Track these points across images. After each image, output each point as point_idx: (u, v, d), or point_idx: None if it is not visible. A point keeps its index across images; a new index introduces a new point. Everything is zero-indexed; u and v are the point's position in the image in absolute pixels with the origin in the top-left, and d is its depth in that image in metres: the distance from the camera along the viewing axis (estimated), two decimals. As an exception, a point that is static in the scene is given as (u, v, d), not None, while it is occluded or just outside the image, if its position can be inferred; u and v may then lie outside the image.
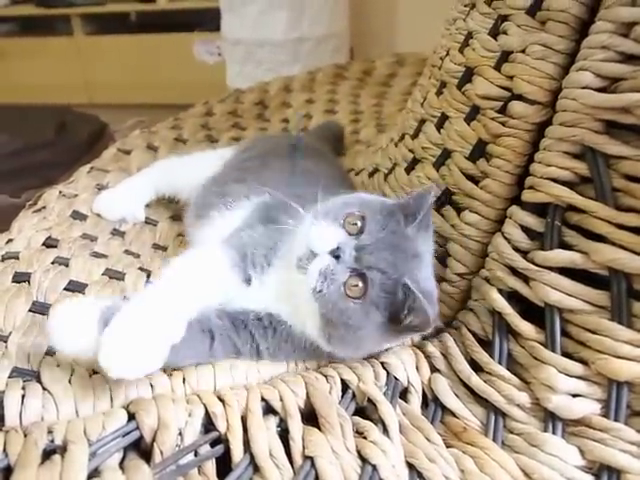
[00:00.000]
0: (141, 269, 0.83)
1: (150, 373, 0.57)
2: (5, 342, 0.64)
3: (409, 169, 0.83)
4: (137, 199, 0.99)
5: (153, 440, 0.53)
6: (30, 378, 0.60)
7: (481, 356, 0.62)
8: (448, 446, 0.56)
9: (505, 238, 0.65)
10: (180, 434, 0.54)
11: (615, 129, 0.57)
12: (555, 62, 0.63)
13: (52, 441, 0.51)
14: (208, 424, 0.55)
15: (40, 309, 0.70)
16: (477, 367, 0.62)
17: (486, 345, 0.63)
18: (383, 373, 0.62)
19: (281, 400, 0.57)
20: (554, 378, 0.57)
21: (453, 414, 0.60)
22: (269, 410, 0.57)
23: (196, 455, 0.54)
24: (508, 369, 0.60)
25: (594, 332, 0.56)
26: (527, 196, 0.64)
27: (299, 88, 1.61)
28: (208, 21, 2.62)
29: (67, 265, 0.79)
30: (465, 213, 0.71)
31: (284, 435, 0.55)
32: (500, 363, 0.61)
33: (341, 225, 0.61)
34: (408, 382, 0.62)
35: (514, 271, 0.63)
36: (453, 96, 0.77)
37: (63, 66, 3.00)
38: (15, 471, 0.48)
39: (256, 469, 0.52)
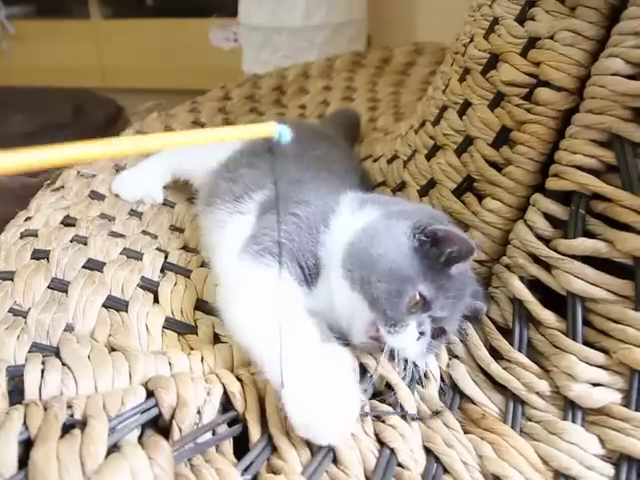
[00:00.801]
0: (159, 249, 0.83)
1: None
2: (25, 317, 0.64)
3: (430, 156, 0.83)
4: (155, 181, 0.99)
5: (172, 418, 0.53)
6: (49, 353, 0.60)
7: (501, 343, 0.62)
8: (466, 432, 0.56)
9: (528, 226, 0.64)
10: (199, 412, 0.54)
11: (644, 117, 0.56)
12: (584, 49, 0.62)
13: (72, 415, 0.51)
14: (226, 403, 0.56)
15: (59, 286, 0.70)
16: (497, 354, 0.62)
17: (506, 333, 0.63)
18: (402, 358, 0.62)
19: (299, 382, 0.57)
20: (575, 367, 0.56)
21: (472, 401, 0.60)
22: (287, 391, 0.57)
23: (214, 434, 0.54)
24: (528, 357, 0.60)
25: (617, 322, 0.56)
26: (551, 184, 0.63)
27: (317, 75, 1.61)
28: (225, 6, 2.60)
29: (85, 244, 0.79)
30: (487, 200, 0.70)
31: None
32: (520, 351, 0.61)
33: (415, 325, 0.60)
34: (426, 367, 0.62)
35: (536, 259, 0.63)
36: (477, 83, 0.76)
37: (79, 49, 3.00)
38: (36, 444, 0.48)
39: (273, 450, 0.52)
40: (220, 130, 0.39)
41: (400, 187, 0.88)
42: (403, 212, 0.64)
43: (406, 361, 0.60)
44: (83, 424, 0.50)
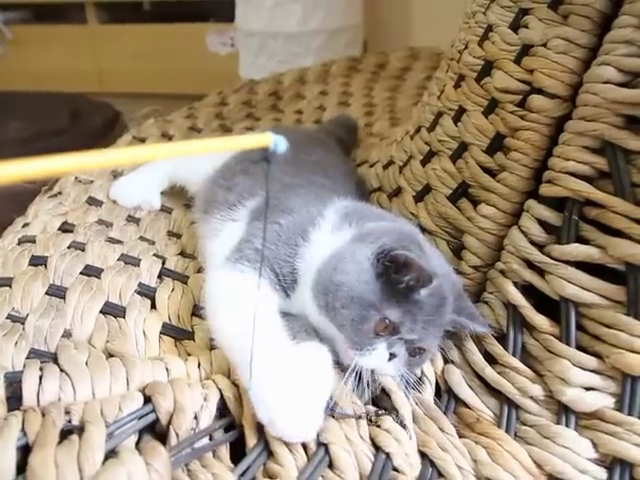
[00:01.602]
0: (156, 255, 0.83)
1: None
2: (22, 324, 0.65)
3: (425, 161, 0.83)
4: (153, 187, 0.99)
5: (169, 423, 0.53)
6: (47, 359, 0.60)
7: (495, 348, 0.62)
8: (461, 436, 0.57)
9: (522, 231, 0.65)
10: (195, 418, 0.54)
11: (636, 124, 0.57)
12: (577, 56, 0.63)
13: (69, 421, 0.52)
14: (223, 409, 0.56)
15: (57, 292, 0.71)
16: (491, 359, 0.62)
17: (500, 337, 0.64)
18: (397, 363, 0.62)
19: (296, 387, 0.58)
20: (568, 371, 0.57)
21: (466, 405, 0.60)
22: (284, 397, 0.57)
23: (211, 439, 0.54)
24: (522, 362, 0.60)
25: (609, 326, 0.56)
26: (545, 190, 0.64)
27: (313, 80, 1.62)
28: (222, 11, 2.61)
29: (83, 250, 0.80)
30: (481, 206, 0.71)
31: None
32: (514, 355, 0.61)
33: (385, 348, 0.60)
34: (422, 372, 0.62)
35: (530, 264, 0.63)
36: (471, 89, 0.77)
37: (76, 54, 3.00)
38: (34, 449, 0.48)
39: (270, 455, 0.53)
40: (216, 140, 0.39)
41: (396, 193, 0.88)
42: (372, 233, 0.64)
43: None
44: (81, 430, 0.51)
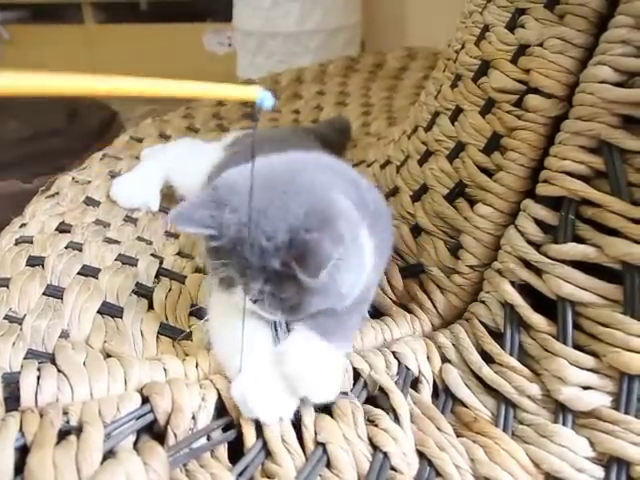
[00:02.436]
0: (153, 256, 0.83)
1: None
2: (20, 324, 0.65)
3: (422, 161, 0.84)
4: (153, 188, 0.99)
5: (167, 423, 0.53)
6: (45, 360, 0.60)
7: (492, 347, 0.63)
8: (458, 435, 0.57)
9: (518, 231, 0.65)
10: (193, 418, 0.54)
11: (632, 124, 0.57)
12: (573, 56, 0.63)
13: (67, 422, 0.52)
14: (221, 409, 0.56)
15: (54, 292, 0.71)
16: (488, 358, 0.62)
17: (497, 337, 0.64)
18: (394, 362, 0.62)
19: (293, 387, 0.58)
20: (565, 370, 0.57)
21: (464, 404, 0.60)
22: (282, 396, 0.58)
23: (209, 439, 0.54)
24: (519, 361, 0.61)
25: (606, 325, 0.56)
26: (541, 189, 0.64)
27: (310, 80, 1.61)
28: (219, 11, 2.61)
29: (80, 250, 0.80)
30: (478, 205, 0.71)
31: (296, 422, 0.55)
32: (511, 354, 0.61)
33: None
34: (419, 372, 0.62)
35: (527, 264, 0.63)
36: (468, 89, 0.77)
37: (73, 54, 3.00)
38: (32, 450, 0.48)
39: (268, 454, 0.53)
40: (202, 85, 0.39)
41: (393, 192, 0.88)
42: None
43: (399, 364, 0.62)
44: (79, 430, 0.51)
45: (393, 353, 0.64)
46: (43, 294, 0.71)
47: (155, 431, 0.54)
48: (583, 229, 0.59)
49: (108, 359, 0.60)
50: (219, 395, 0.56)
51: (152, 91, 0.37)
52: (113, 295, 0.72)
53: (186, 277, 0.79)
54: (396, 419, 0.57)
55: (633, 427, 0.53)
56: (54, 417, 0.51)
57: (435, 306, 0.72)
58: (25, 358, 0.60)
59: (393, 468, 0.53)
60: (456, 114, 0.78)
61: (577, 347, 0.58)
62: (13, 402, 0.54)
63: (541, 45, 0.66)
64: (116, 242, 0.85)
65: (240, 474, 0.51)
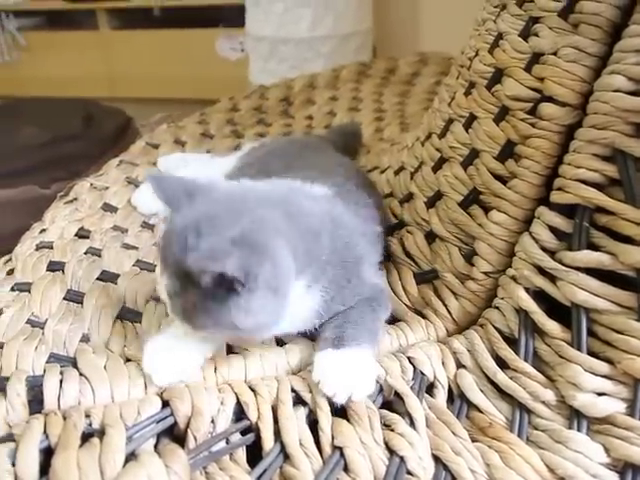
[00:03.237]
0: (170, 261, 0.84)
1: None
2: (42, 329, 0.66)
3: (436, 168, 0.84)
4: None
5: (187, 427, 0.54)
6: (67, 364, 0.62)
7: (507, 353, 0.63)
8: (474, 440, 0.57)
9: (533, 238, 0.66)
10: (212, 422, 0.55)
11: (646, 132, 0.58)
12: (587, 65, 0.63)
13: (90, 425, 0.53)
14: (239, 413, 0.57)
15: (74, 297, 0.72)
16: (503, 364, 0.63)
17: (512, 343, 0.64)
18: (410, 367, 0.63)
19: (310, 392, 0.59)
20: (580, 376, 0.57)
21: (479, 409, 0.61)
22: (299, 401, 0.59)
23: (228, 443, 0.55)
24: (533, 367, 0.61)
25: (621, 332, 0.57)
26: (556, 197, 0.65)
27: (323, 85, 1.63)
28: (232, 17, 2.63)
29: (99, 256, 0.81)
30: (493, 212, 0.71)
31: (313, 426, 0.56)
32: (526, 360, 0.62)
33: None
34: (434, 377, 0.63)
35: (541, 270, 0.64)
36: (482, 96, 0.77)
37: (88, 59, 3.03)
38: (56, 452, 0.49)
39: (286, 458, 0.54)
40: None
41: (407, 199, 0.89)
42: None
43: (414, 369, 0.63)
44: (101, 433, 0.52)
45: (408, 358, 0.64)
46: (64, 299, 0.72)
47: (175, 434, 0.55)
48: (597, 236, 0.60)
49: (128, 363, 0.62)
50: (237, 399, 0.57)
51: None
52: (132, 300, 0.73)
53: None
54: (412, 424, 0.57)
55: (648, 433, 0.54)
56: (77, 420, 0.52)
57: (449, 312, 0.72)
58: (47, 362, 0.62)
59: (409, 472, 0.53)
60: (470, 121, 0.79)
61: (592, 354, 0.59)
62: (37, 405, 0.56)
63: (555, 54, 0.66)
64: (134, 248, 0.86)
65: (259, 477, 0.52)
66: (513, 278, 0.67)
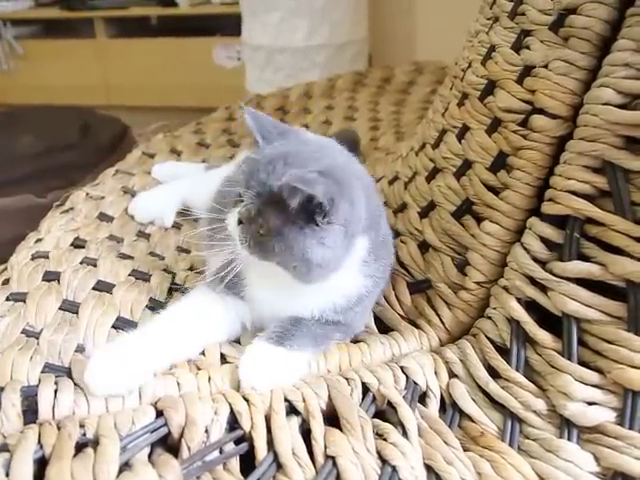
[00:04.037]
0: (166, 271, 0.85)
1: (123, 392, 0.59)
2: (37, 338, 0.67)
3: (430, 178, 0.85)
4: (170, 206, 1.01)
5: (181, 436, 0.55)
6: (61, 374, 0.62)
7: (499, 363, 0.64)
8: (465, 450, 0.58)
9: (524, 248, 0.66)
10: (206, 431, 0.56)
11: (635, 145, 0.58)
12: (577, 78, 0.64)
13: (84, 435, 0.53)
14: (233, 422, 0.57)
15: (70, 307, 0.72)
16: (495, 373, 0.64)
17: (504, 352, 0.65)
18: (403, 377, 0.64)
19: (304, 401, 0.59)
20: (570, 386, 0.58)
21: (471, 419, 0.61)
22: (292, 410, 0.59)
23: (221, 452, 0.56)
24: (525, 376, 0.62)
25: (611, 342, 0.57)
26: (547, 208, 0.65)
27: (319, 94, 1.64)
28: (228, 26, 2.64)
29: (95, 265, 0.82)
30: (485, 223, 0.72)
31: (306, 435, 0.57)
32: (517, 370, 0.62)
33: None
34: (427, 386, 0.64)
35: (533, 281, 0.65)
36: (475, 108, 0.78)
37: (85, 68, 3.04)
38: (50, 462, 0.50)
39: (279, 467, 0.54)
40: None
41: (401, 208, 0.90)
42: None
43: (407, 378, 0.63)
44: (95, 443, 0.52)
45: (401, 368, 0.65)
46: (59, 309, 0.72)
47: (169, 444, 0.56)
48: (588, 247, 0.61)
49: (123, 373, 0.62)
50: (231, 409, 0.58)
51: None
52: (127, 310, 0.74)
53: (198, 292, 0.80)
54: (404, 433, 0.58)
55: (637, 442, 0.54)
56: (71, 430, 0.53)
57: (442, 321, 0.73)
58: (42, 372, 0.62)
59: (401, 481, 0.54)
60: (463, 132, 0.80)
61: (582, 363, 0.59)
62: (31, 415, 0.56)
63: (546, 67, 0.67)
64: (129, 257, 0.87)
65: (252, 487, 0.53)
66: (505, 288, 0.68)
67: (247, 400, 0.59)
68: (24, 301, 0.72)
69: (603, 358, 0.58)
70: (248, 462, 0.55)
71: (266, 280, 0.68)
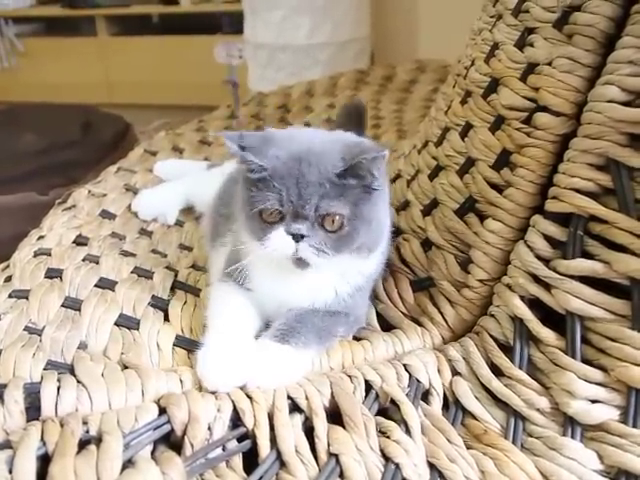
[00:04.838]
0: (168, 268, 0.85)
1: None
2: (39, 335, 0.67)
3: (432, 176, 0.85)
4: (173, 203, 1.02)
5: (183, 434, 0.55)
6: (64, 371, 0.62)
7: (502, 361, 0.64)
8: (468, 448, 0.58)
9: (528, 246, 0.66)
10: (209, 429, 0.56)
11: (639, 142, 0.58)
12: (581, 75, 0.64)
13: (87, 432, 0.53)
14: (236, 420, 0.57)
15: (72, 304, 0.72)
16: (498, 371, 0.63)
17: (507, 350, 0.65)
18: (405, 375, 0.64)
19: (307, 399, 0.59)
20: (574, 384, 0.58)
21: (474, 417, 0.61)
22: (295, 408, 0.59)
23: (224, 450, 0.56)
24: (528, 374, 0.62)
25: (614, 340, 0.57)
26: (550, 206, 0.65)
27: (321, 92, 1.64)
28: (230, 24, 2.64)
29: (97, 263, 0.82)
30: (488, 221, 0.72)
31: (309, 433, 0.57)
32: (521, 368, 0.62)
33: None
34: (430, 384, 0.63)
35: (536, 278, 0.65)
36: (478, 105, 0.78)
37: (87, 66, 3.05)
38: (54, 459, 0.50)
39: (282, 465, 0.54)
40: None
41: (404, 206, 0.89)
42: None
43: (410, 376, 0.63)
44: (98, 440, 0.52)
45: (404, 366, 0.65)
46: (62, 306, 0.72)
47: (172, 441, 0.56)
48: (591, 245, 0.61)
49: (126, 370, 0.62)
50: (234, 406, 0.58)
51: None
52: (130, 307, 0.73)
53: (200, 290, 0.80)
54: (407, 431, 0.58)
55: (641, 440, 0.54)
56: (74, 427, 0.53)
57: (445, 319, 0.73)
58: (45, 369, 0.62)
59: (405, 479, 0.54)
60: (466, 130, 0.80)
61: (585, 361, 0.59)
62: (34, 412, 0.56)
63: (550, 64, 0.67)
64: (132, 255, 0.87)
65: (255, 484, 0.53)
66: (508, 286, 0.68)
67: (250, 398, 0.59)
68: (26, 298, 0.72)
69: (607, 356, 0.58)
70: (251, 459, 0.55)
71: (271, 272, 0.68)
